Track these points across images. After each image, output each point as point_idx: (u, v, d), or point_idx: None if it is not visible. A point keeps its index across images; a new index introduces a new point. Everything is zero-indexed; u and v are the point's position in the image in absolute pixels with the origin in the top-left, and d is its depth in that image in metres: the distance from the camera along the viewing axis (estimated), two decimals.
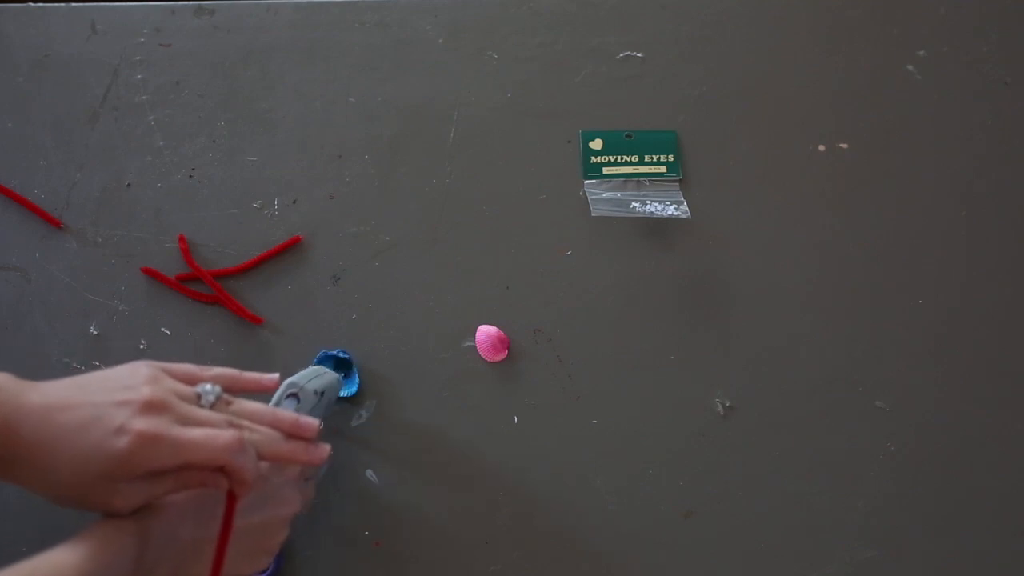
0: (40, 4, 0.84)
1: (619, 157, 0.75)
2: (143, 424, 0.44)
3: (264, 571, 0.60)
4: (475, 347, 0.68)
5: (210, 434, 0.46)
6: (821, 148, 0.75)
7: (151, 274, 0.71)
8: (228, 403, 0.51)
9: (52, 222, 0.73)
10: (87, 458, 0.44)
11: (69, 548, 0.45)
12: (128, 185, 0.75)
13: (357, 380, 0.66)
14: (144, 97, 0.79)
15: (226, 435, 0.47)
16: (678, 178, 0.74)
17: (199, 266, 0.71)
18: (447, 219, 0.73)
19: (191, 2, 0.83)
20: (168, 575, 0.47)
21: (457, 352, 0.68)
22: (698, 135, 0.76)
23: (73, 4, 0.84)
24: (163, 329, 0.70)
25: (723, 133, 0.76)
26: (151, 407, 0.45)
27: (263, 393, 0.55)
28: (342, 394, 0.65)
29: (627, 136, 0.76)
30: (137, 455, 0.44)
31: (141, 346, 0.69)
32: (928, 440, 0.64)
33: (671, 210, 0.70)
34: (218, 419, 0.49)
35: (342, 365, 0.67)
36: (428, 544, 0.62)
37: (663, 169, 0.74)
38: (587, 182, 0.74)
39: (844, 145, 0.75)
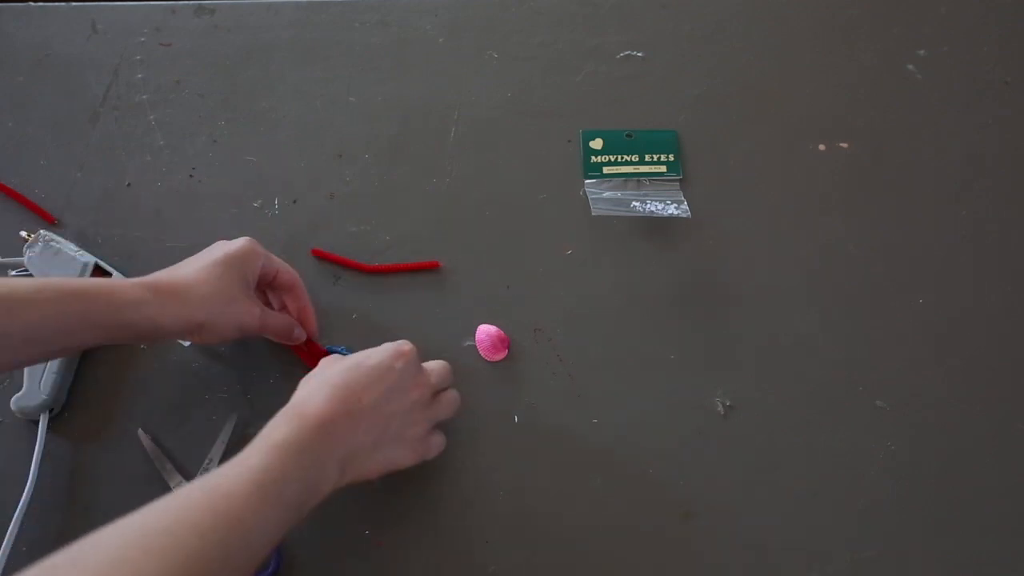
0: (40, 4, 0.85)
1: (619, 156, 0.75)
2: (244, 240, 0.63)
3: (264, 570, 0.60)
4: (475, 347, 0.68)
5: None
6: (821, 148, 0.75)
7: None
8: None
9: (47, 218, 0.73)
10: (213, 268, 0.59)
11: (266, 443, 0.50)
12: (128, 185, 0.75)
13: None
14: (144, 97, 0.79)
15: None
16: (678, 177, 0.74)
17: None
18: (447, 219, 0.73)
19: (191, 1, 0.83)
20: (340, 469, 0.53)
21: (457, 352, 0.68)
22: (698, 135, 0.76)
23: (73, 4, 0.84)
24: None
25: (723, 133, 0.76)
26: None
27: None
28: None
29: (627, 135, 0.76)
30: (249, 251, 0.61)
31: (142, 346, 0.69)
32: (928, 440, 0.64)
33: (671, 209, 0.70)
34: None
35: None
36: (428, 544, 0.62)
37: (663, 168, 0.74)
38: (587, 181, 0.74)
39: (844, 145, 0.75)
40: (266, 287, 0.65)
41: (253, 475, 0.47)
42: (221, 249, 0.61)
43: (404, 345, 0.59)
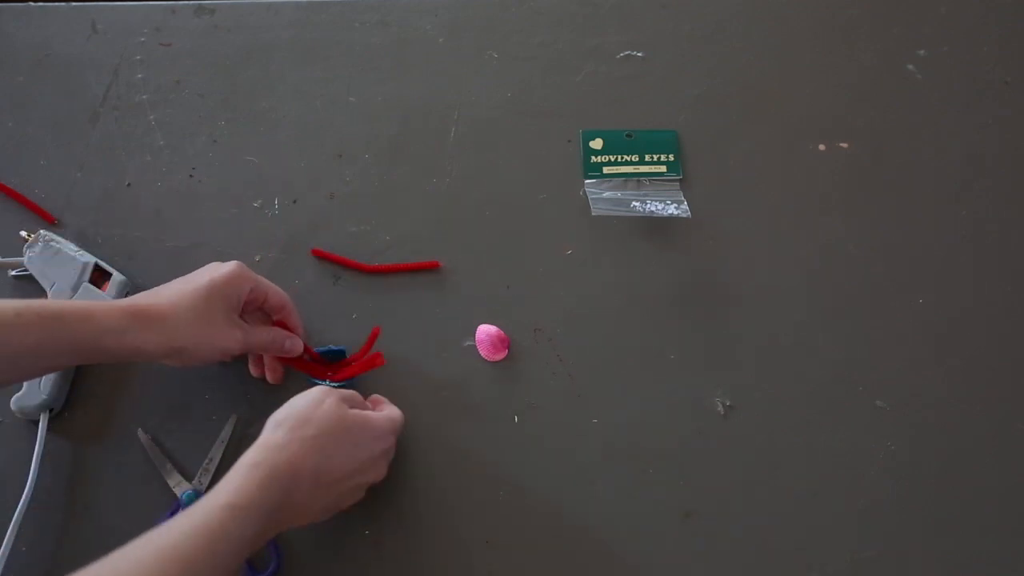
0: (40, 4, 0.84)
1: (619, 156, 0.75)
2: (233, 264, 0.62)
3: (264, 570, 0.60)
4: (475, 347, 0.68)
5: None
6: (821, 148, 0.75)
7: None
8: None
9: (47, 218, 0.73)
10: (195, 293, 0.59)
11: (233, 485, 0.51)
12: (128, 185, 0.75)
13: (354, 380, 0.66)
14: (144, 97, 0.79)
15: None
16: (678, 177, 0.74)
17: None
18: (447, 219, 0.73)
19: (191, 1, 0.83)
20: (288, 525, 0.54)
21: (457, 352, 0.68)
22: (698, 135, 0.76)
23: (73, 4, 0.84)
24: None
25: (723, 133, 0.76)
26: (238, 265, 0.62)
27: None
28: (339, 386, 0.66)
29: (627, 135, 0.76)
30: (236, 277, 0.61)
31: None
32: (928, 440, 0.64)
33: (671, 209, 0.70)
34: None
35: (335, 358, 0.67)
36: (428, 544, 0.62)
37: (663, 168, 0.74)
38: (587, 181, 0.74)
39: (844, 145, 0.75)
40: (256, 309, 0.65)
41: (211, 542, 0.48)
42: (207, 274, 0.61)
43: (391, 435, 0.60)
